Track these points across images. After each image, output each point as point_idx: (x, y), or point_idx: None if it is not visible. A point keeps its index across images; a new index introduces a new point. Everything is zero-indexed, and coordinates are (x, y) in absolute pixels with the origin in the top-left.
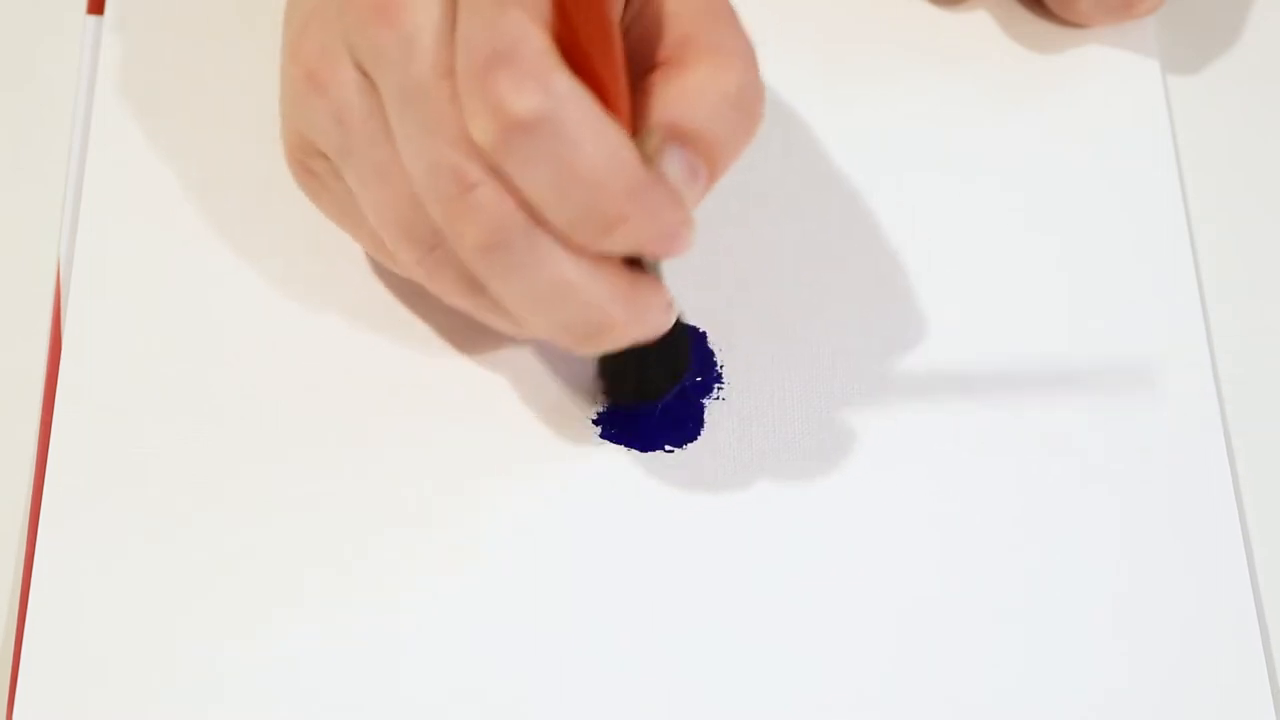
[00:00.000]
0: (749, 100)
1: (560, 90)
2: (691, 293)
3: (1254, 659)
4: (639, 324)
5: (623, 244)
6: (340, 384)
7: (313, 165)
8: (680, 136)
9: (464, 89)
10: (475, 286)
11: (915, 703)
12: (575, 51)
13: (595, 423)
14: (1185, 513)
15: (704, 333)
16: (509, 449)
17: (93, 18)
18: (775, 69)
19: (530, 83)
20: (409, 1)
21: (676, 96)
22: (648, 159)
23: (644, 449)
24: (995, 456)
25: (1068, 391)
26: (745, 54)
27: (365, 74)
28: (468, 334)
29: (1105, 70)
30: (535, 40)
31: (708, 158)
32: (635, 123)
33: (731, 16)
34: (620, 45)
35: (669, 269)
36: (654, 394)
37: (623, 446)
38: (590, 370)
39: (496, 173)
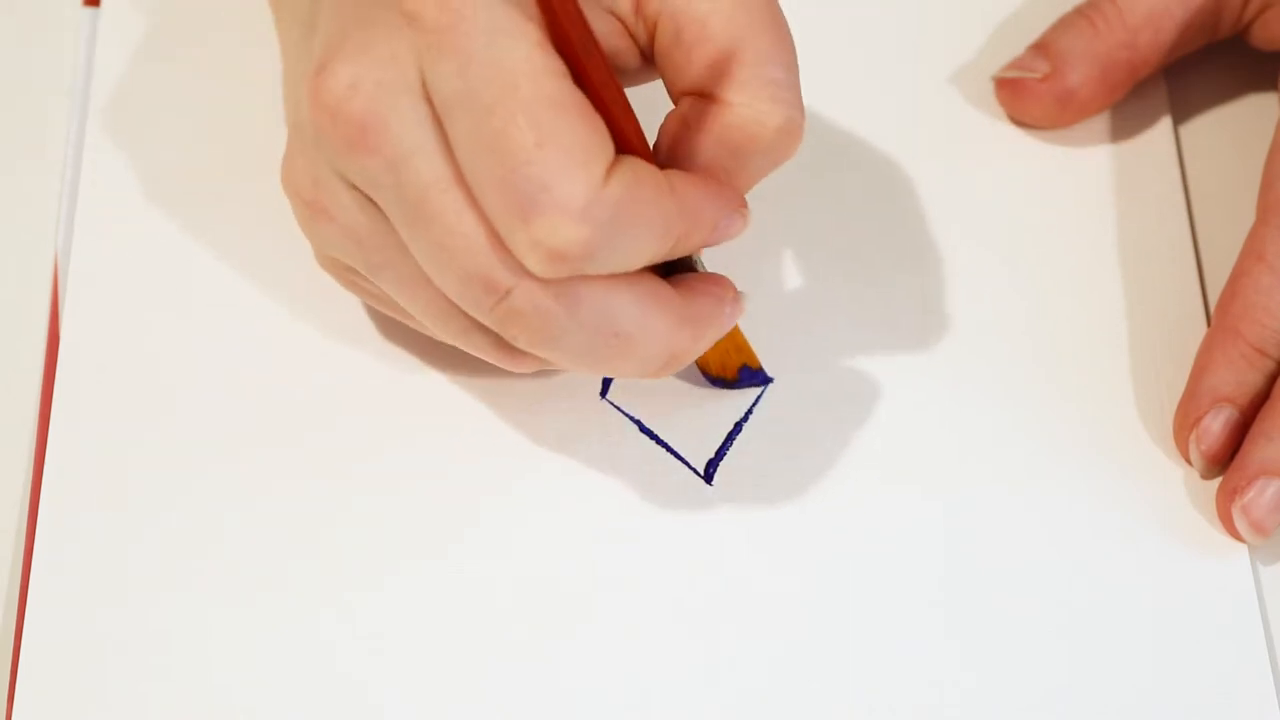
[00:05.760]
0: (786, 144)
1: (604, 214)
2: None
3: (1258, 660)
4: (706, 338)
5: (696, 246)
6: (340, 378)
7: (346, 274)
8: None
9: (503, 226)
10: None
11: (920, 706)
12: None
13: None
14: (1186, 513)
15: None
16: (509, 443)
17: (89, 10)
18: None
19: (574, 222)
20: (386, 125)
21: (712, 143)
22: None
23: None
24: (993, 459)
25: (1068, 396)
26: (785, 84)
27: (365, 195)
28: None
29: None
30: (567, 169)
31: (745, 186)
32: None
33: (772, 28)
34: (609, 70)
35: None
36: None
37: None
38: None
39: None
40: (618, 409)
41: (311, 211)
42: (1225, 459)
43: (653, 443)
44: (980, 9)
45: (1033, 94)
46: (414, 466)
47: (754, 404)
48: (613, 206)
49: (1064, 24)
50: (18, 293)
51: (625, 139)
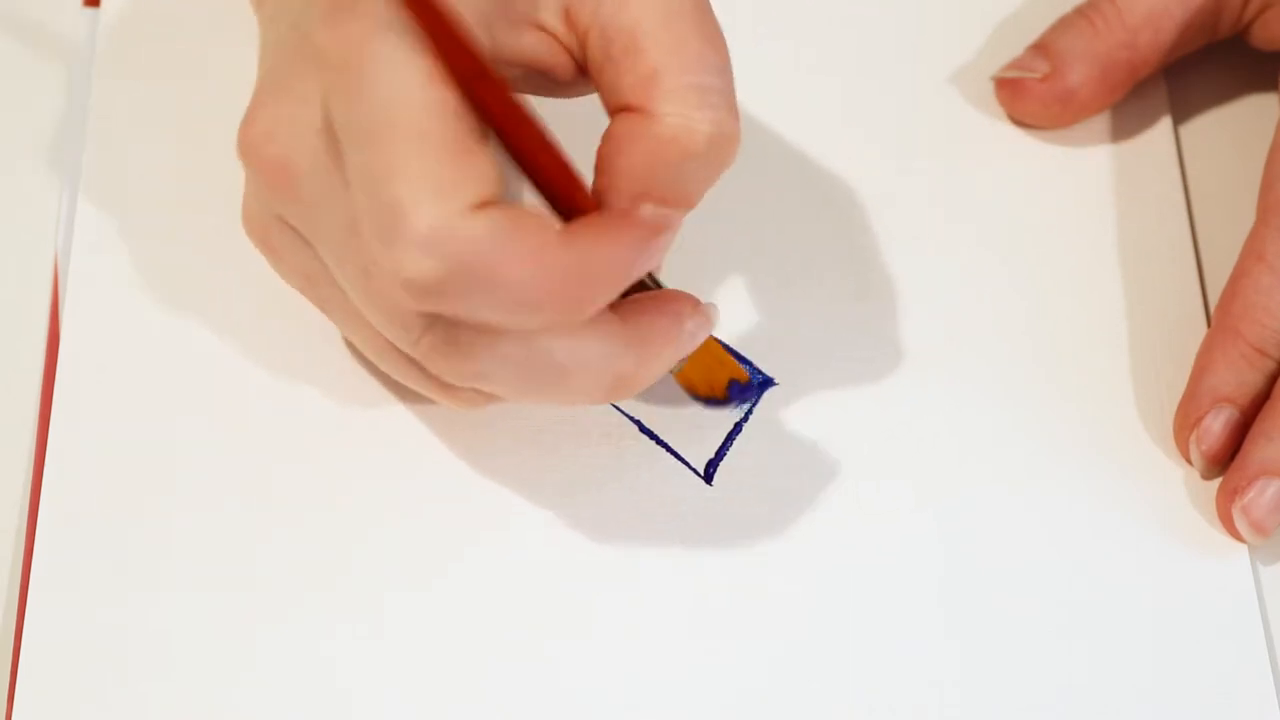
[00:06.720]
0: (720, 151)
1: (455, 248)
2: None
3: (1258, 660)
4: (661, 357)
5: (599, 304)
6: (341, 377)
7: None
8: (649, 198)
9: (374, 258)
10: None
11: (920, 706)
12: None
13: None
14: (1186, 513)
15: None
16: (508, 443)
17: (89, 10)
18: (773, 81)
19: (420, 251)
20: (297, 168)
21: (644, 157)
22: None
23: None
24: (993, 459)
25: (1068, 396)
26: (714, 90)
27: (301, 235)
28: None
29: None
30: (417, 199)
31: (678, 205)
32: (601, 171)
33: (700, 34)
34: (526, 111)
35: None
36: None
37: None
38: None
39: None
40: (618, 409)
41: (265, 250)
42: (1225, 459)
43: (653, 443)
44: (980, 9)
45: (1033, 94)
46: (414, 465)
47: (754, 404)
48: (468, 242)
49: (1064, 24)
50: (18, 293)
51: (538, 168)
